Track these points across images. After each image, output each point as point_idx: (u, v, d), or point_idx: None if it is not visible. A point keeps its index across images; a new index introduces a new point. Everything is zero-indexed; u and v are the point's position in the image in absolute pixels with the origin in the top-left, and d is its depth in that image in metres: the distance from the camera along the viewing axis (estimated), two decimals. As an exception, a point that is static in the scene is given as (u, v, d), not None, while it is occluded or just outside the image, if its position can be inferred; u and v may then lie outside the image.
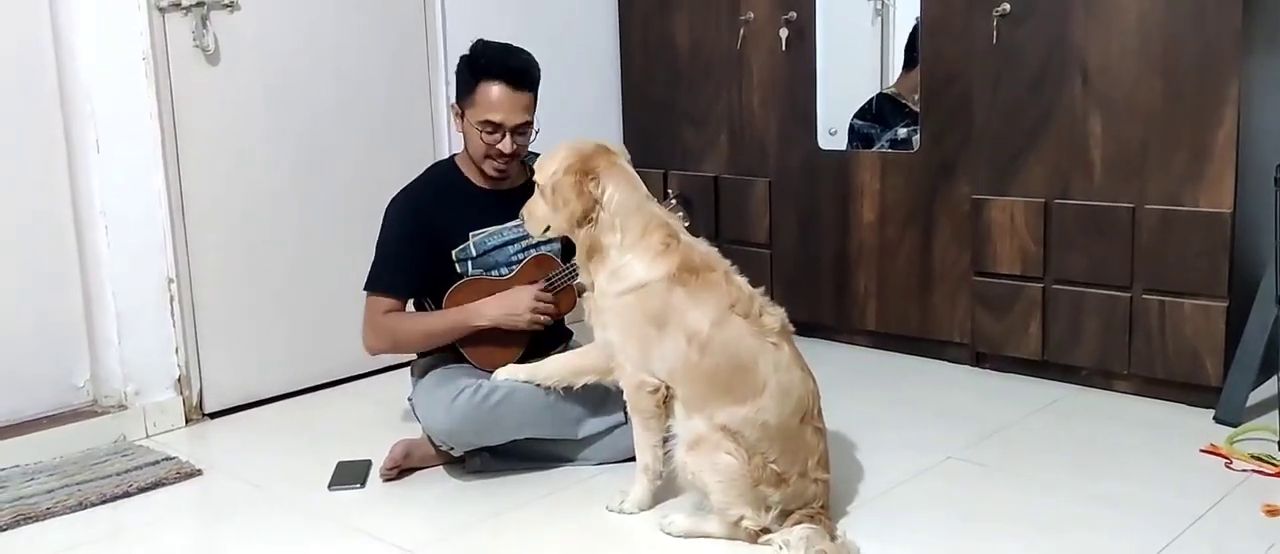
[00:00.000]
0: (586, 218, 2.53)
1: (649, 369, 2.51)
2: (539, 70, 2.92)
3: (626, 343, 2.54)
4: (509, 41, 2.94)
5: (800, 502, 2.43)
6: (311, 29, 3.61)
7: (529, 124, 2.90)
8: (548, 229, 2.63)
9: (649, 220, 2.55)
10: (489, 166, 2.91)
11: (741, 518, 2.41)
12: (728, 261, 2.61)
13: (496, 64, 2.86)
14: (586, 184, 2.52)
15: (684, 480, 2.48)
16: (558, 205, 2.55)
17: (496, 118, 2.84)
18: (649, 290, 2.49)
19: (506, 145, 2.86)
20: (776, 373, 2.43)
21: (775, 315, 2.53)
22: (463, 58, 2.94)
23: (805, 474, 2.44)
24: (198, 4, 3.30)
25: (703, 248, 2.60)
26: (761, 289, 2.59)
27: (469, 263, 2.94)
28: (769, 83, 4.08)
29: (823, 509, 2.46)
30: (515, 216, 2.89)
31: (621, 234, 2.53)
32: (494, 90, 2.84)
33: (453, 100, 3.00)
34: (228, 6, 3.38)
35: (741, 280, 2.57)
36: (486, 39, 2.94)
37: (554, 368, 2.78)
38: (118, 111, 3.20)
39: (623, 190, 2.55)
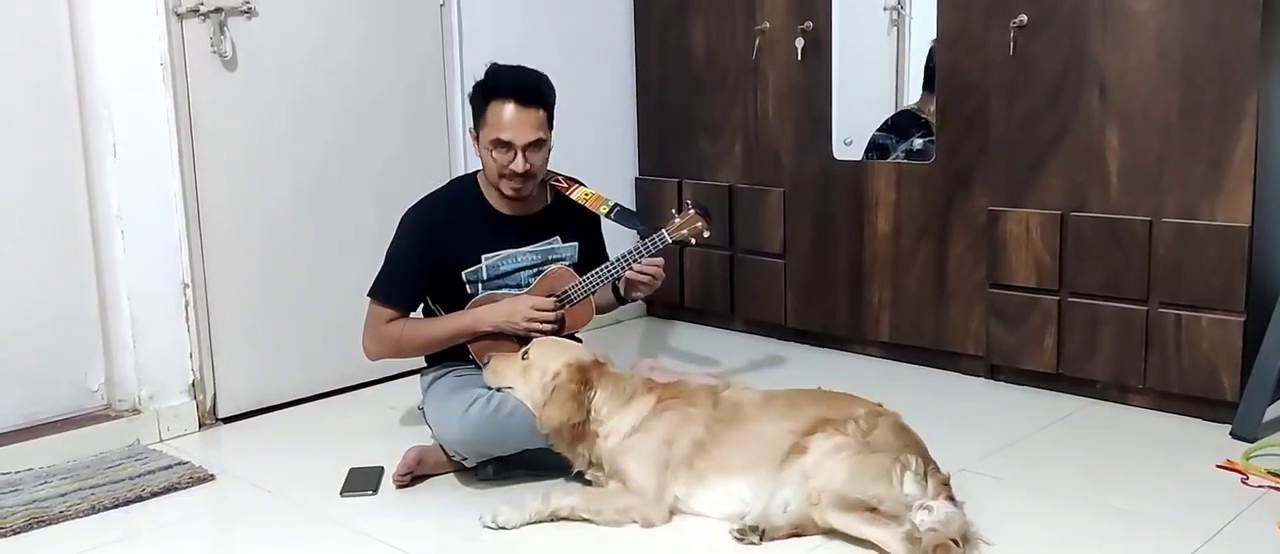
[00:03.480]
0: (583, 421, 2.65)
1: (662, 499, 2.60)
2: (552, 89, 2.91)
3: (644, 471, 2.61)
4: (525, 48, 2.96)
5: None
6: (329, 34, 3.62)
7: (542, 142, 2.89)
8: (512, 389, 2.75)
9: (632, 392, 2.70)
10: (505, 186, 2.91)
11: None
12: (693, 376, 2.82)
13: (505, 83, 2.86)
14: (585, 394, 2.65)
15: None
16: (553, 402, 2.64)
17: (506, 136, 2.83)
18: (646, 426, 2.64)
19: (519, 164, 2.85)
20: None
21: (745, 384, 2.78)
22: (476, 83, 2.93)
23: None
24: (215, 10, 3.32)
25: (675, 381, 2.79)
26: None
27: (480, 285, 2.94)
28: (784, 92, 4.07)
29: None
30: (530, 242, 2.96)
31: (607, 418, 2.67)
32: (503, 109, 2.84)
33: (470, 125, 2.98)
34: (246, 13, 3.39)
35: (714, 380, 2.81)
36: (500, 63, 2.94)
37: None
38: (135, 117, 3.21)
39: (610, 392, 2.68)
